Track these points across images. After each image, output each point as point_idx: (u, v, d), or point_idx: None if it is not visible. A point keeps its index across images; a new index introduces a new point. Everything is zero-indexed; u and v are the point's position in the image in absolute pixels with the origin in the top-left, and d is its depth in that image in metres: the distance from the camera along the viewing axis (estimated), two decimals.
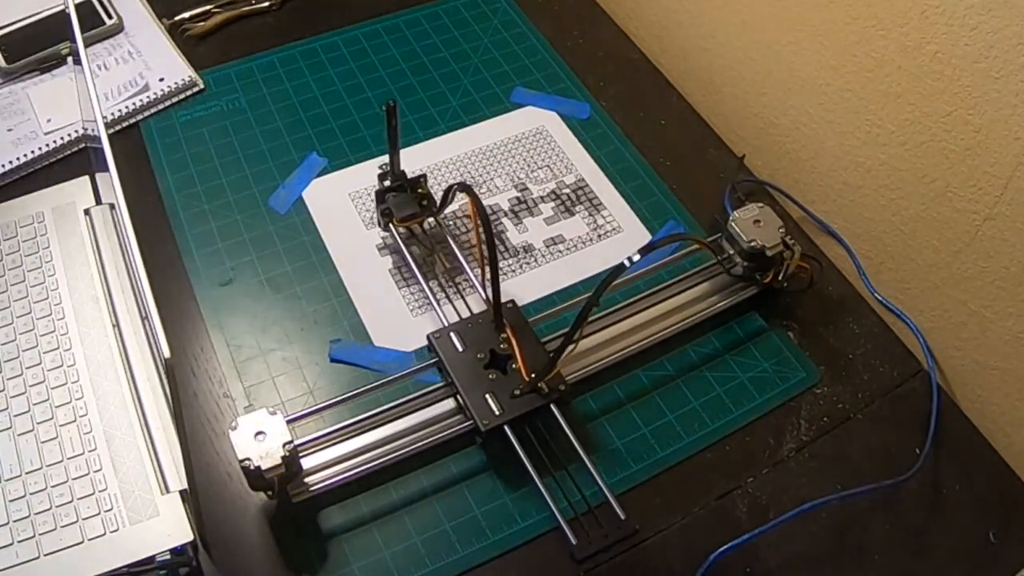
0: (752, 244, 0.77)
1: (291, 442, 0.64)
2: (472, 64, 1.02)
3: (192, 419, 0.74)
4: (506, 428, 0.70)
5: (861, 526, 0.72)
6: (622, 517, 0.67)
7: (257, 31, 1.03)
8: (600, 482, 0.69)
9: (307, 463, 0.69)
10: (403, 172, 0.82)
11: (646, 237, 0.88)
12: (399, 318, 0.81)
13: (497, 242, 0.85)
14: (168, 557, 0.64)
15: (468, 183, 0.75)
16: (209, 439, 0.73)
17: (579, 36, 1.06)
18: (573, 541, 0.66)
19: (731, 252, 0.80)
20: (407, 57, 1.02)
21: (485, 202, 0.89)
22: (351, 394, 0.72)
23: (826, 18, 0.81)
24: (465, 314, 0.78)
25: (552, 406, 0.71)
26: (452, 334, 0.74)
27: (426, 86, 0.99)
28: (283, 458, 0.63)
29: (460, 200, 0.85)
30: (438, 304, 0.79)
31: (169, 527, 0.65)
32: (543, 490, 0.68)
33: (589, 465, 0.69)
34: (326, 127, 0.94)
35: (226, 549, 0.67)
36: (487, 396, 0.71)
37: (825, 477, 0.74)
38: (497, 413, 0.70)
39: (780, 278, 0.80)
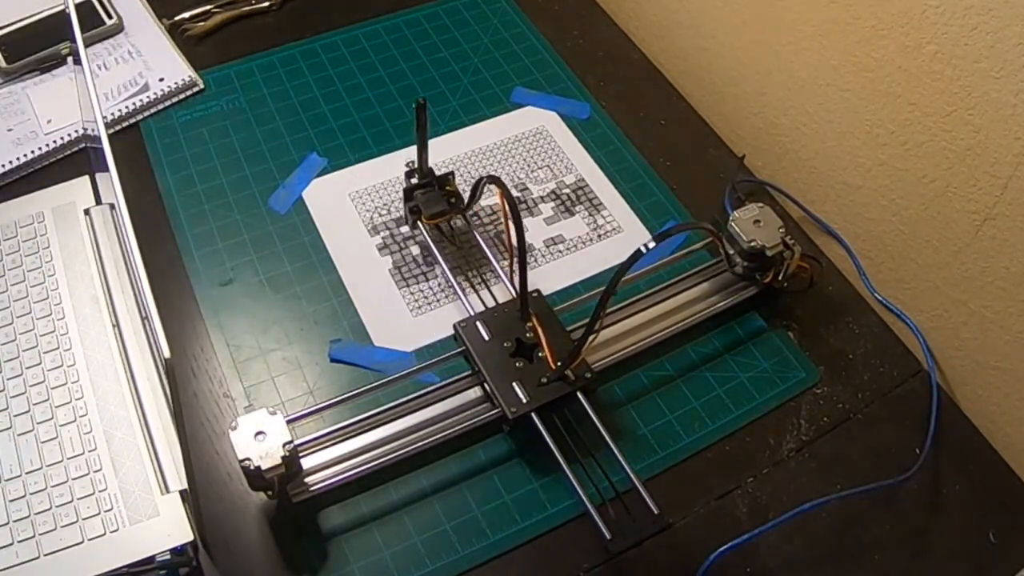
0: (752, 244, 0.77)
1: (291, 442, 0.64)
2: (472, 64, 1.02)
3: (192, 419, 0.74)
4: (533, 415, 0.70)
5: (861, 526, 0.72)
6: (655, 511, 0.67)
7: (257, 31, 1.03)
8: (628, 470, 0.69)
9: (307, 463, 0.69)
10: (431, 169, 0.83)
11: (646, 237, 0.88)
12: (399, 318, 0.81)
13: (497, 242, 0.85)
14: (168, 557, 0.64)
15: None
16: (209, 439, 0.73)
17: (579, 36, 1.06)
18: (607, 535, 0.66)
19: (731, 252, 0.80)
20: (407, 57, 1.02)
21: (485, 202, 0.89)
22: (351, 394, 0.72)
23: (826, 18, 0.81)
24: (489, 305, 0.79)
25: (579, 393, 0.72)
26: (478, 323, 0.75)
27: (426, 86, 0.99)
28: (283, 458, 0.63)
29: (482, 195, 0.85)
30: (463, 294, 0.79)
31: (169, 527, 0.65)
32: (571, 477, 0.69)
33: (617, 452, 0.69)
34: (326, 127, 0.94)
35: (226, 549, 0.67)
36: (514, 384, 0.71)
37: (825, 477, 0.74)
38: (524, 401, 0.70)
39: (780, 278, 0.80)
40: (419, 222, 0.84)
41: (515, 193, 0.91)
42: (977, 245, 0.74)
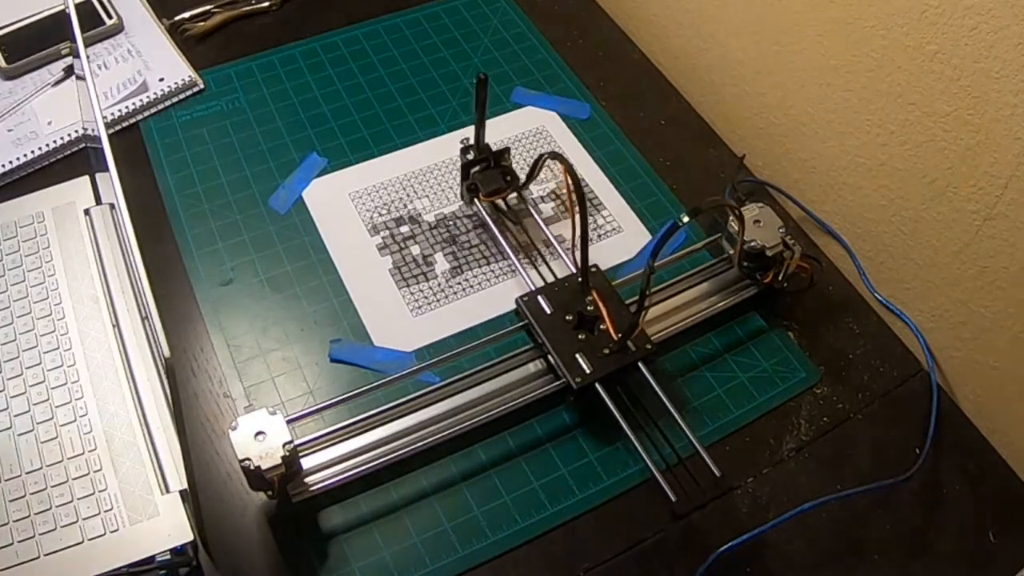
0: (752, 244, 0.77)
1: (291, 442, 0.64)
2: (472, 64, 1.02)
3: (192, 419, 0.74)
4: (597, 386, 0.72)
5: (861, 526, 0.72)
6: (717, 475, 0.68)
7: (257, 31, 1.03)
8: (691, 437, 0.70)
9: (307, 463, 0.69)
10: (487, 147, 0.83)
11: (646, 237, 0.88)
12: (399, 318, 0.81)
13: (498, 240, 0.85)
14: (168, 557, 0.64)
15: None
16: (209, 439, 0.73)
17: (579, 36, 1.06)
18: (672, 497, 0.67)
19: (731, 252, 0.80)
20: (407, 57, 1.02)
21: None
22: (351, 394, 0.72)
23: (826, 18, 0.81)
24: (539, 284, 0.80)
25: (640, 364, 0.73)
26: (540, 297, 0.76)
27: (426, 86, 0.99)
28: (283, 458, 0.63)
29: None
30: (524, 270, 0.81)
31: (169, 527, 0.65)
32: (637, 445, 0.70)
33: (679, 420, 0.71)
34: (326, 127, 0.94)
35: (226, 549, 0.67)
36: (577, 355, 0.72)
37: (825, 477, 0.74)
38: (588, 371, 0.71)
39: (780, 278, 0.80)
40: (476, 200, 0.85)
41: (515, 193, 0.90)
42: (977, 245, 0.74)
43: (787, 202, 0.92)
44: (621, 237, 0.88)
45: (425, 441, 0.71)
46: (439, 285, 0.83)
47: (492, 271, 0.84)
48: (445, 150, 0.93)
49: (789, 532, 0.70)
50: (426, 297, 0.82)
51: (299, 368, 0.77)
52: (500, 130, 0.96)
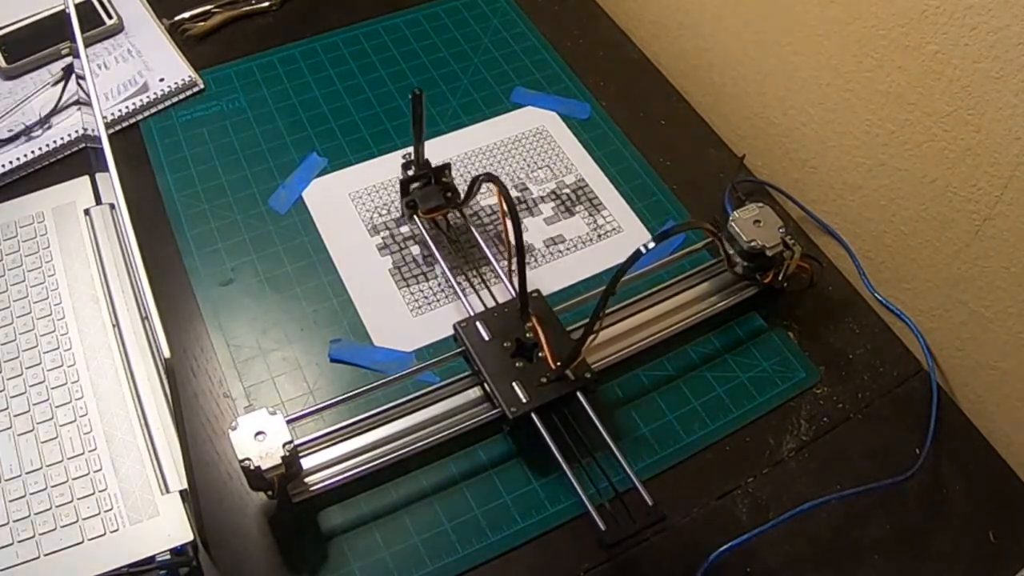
0: (752, 244, 0.77)
1: (291, 442, 0.64)
2: (472, 64, 1.02)
3: (192, 419, 0.74)
4: (533, 415, 0.70)
5: (861, 526, 0.72)
6: (650, 503, 0.67)
7: (257, 31, 1.03)
8: (627, 468, 0.69)
9: (307, 463, 0.69)
10: (427, 162, 0.82)
11: (646, 237, 0.88)
12: (399, 318, 0.81)
13: (497, 242, 0.85)
14: (168, 557, 0.64)
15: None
16: (209, 439, 0.73)
17: (579, 36, 1.06)
18: (602, 527, 0.66)
19: (731, 252, 0.80)
20: (407, 57, 1.02)
21: (485, 203, 0.89)
22: (351, 394, 0.72)
23: (826, 18, 0.81)
24: (489, 305, 0.79)
25: (578, 393, 0.72)
26: (478, 323, 0.75)
27: (426, 86, 0.99)
28: (283, 458, 0.63)
29: (482, 193, 0.86)
30: (463, 294, 0.79)
31: (169, 527, 0.65)
32: (571, 477, 0.68)
33: (616, 451, 0.69)
34: (326, 127, 0.94)
35: (226, 549, 0.67)
36: (514, 384, 0.71)
37: (825, 477, 0.74)
38: (524, 401, 0.70)
39: (780, 278, 0.80)
40: (415, 216, 0.84)
41: (515, 193, 0.91)
42: (977, 245, 0.74)
43: (787, 202, 0.92)
44: (621, 237, 0.88)
45: (425, 441, 0.71)
46: (439, 285, 0.83)
47: (492, 272, 0.84)
48: (445, 150, 0.93)
49: (789, 532, 0.70)
50: (426, 297, 0.82)
51: (299, 368, 0.77)
52: (500, 130, 0.96)
